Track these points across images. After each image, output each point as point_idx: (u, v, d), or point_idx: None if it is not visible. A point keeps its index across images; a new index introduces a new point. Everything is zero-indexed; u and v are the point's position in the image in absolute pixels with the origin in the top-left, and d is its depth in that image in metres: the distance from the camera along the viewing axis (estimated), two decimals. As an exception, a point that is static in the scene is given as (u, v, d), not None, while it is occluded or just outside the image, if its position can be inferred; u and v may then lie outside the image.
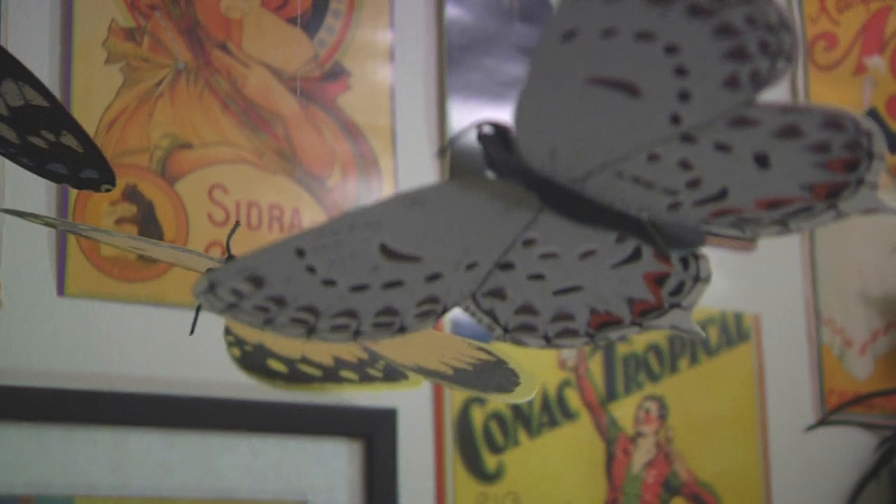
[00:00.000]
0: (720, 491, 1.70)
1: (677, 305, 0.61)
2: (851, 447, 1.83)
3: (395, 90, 1.57)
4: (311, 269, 0.58)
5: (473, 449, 1.54)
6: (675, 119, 0.55)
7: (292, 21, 1.51)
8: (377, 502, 1.44)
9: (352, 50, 1.55)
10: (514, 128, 0.56)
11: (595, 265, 0.62)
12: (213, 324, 1.41)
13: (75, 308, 1.33)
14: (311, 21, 1.53)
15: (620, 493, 1.63)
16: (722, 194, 0.58)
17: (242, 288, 0.56)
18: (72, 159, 0.82)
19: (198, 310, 0.65)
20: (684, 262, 0.61)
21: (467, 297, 0.62)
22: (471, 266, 0.61)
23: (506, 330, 0.63)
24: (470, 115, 1.62)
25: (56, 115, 0.80)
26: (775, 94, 0.60)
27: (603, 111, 0.55)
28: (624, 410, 1.65)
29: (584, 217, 0.60)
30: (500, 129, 0.56)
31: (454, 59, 1.62)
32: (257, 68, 1.48)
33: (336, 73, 1.53)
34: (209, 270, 0.56)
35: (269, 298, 0.57)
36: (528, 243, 0.61)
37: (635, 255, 0.62)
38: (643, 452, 1.66)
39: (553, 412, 1.60)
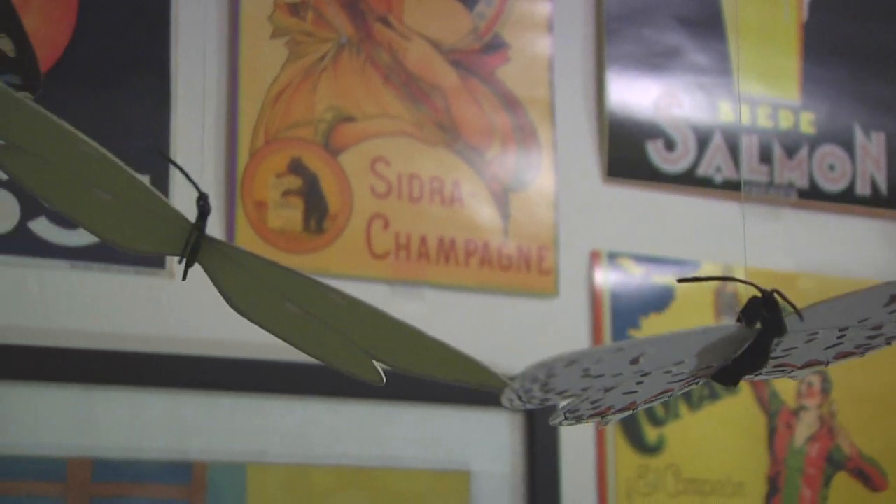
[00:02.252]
0: (886, 466, 1.67)
1: None
2: None
3: (553, 62, 1.57)
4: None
5: (634, 421, 1.53)
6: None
7: (452, -6, 1.52)
8: (539, 472, 1.45)
9: (510, 22, 1.55)
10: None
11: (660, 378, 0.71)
12: (383, 300, 1.43)
13: (243, 279, 1.35)
14: (470, -7, 1.53)
15: (783, 467, 1.61)
16: None
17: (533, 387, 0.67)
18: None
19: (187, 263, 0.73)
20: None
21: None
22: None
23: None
24: (628, 86, 1.60)
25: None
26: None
27: None
28: (785, 384, 1.63)
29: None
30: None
31: (612, 30, 1.61)
32: (417, 41, 1.49)
33: (495, 46, 1.53)
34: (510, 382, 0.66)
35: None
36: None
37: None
38: (806, 426, 1.64)
39: (713, 385, 1.59)
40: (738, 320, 0.66)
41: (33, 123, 0.68)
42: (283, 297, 0.73)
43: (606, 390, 0.69)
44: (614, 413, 0.72)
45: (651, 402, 0.72)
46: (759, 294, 0.66)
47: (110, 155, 0.69)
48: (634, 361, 0.66)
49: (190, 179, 0.72)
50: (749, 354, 0.68)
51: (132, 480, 1.27)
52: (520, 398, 0.67)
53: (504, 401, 0.67)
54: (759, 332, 0.66)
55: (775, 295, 0.66)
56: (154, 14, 1.35)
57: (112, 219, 0.73)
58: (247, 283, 0.74)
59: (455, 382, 0.73)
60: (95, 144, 0.69)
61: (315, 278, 0.71)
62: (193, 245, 0.72)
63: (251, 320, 0.75)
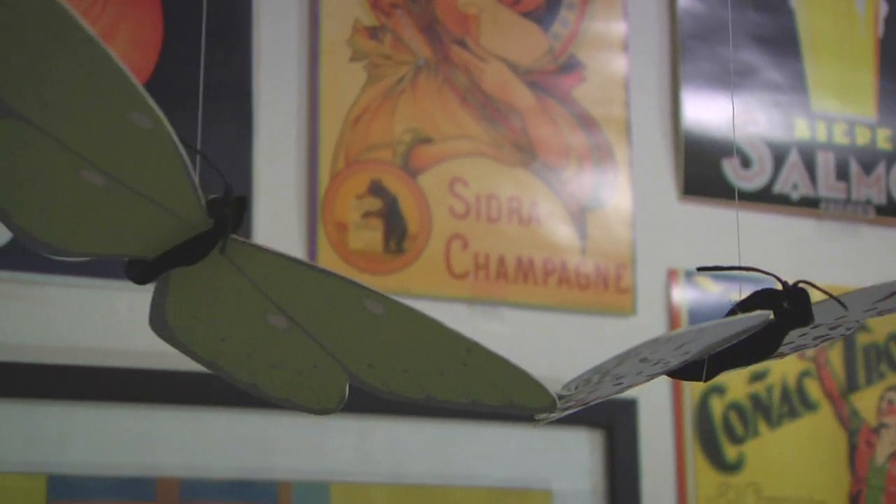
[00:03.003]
0: (968, 484, 1.66)
1: None
2: None
3: (629, 81, 1.58)
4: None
5: (713, 439, 1.53)
6: None
7: (527, 15, 1.53)
8: (619, 491, 1.45)
9: (586, 42, 1.56)
10: None
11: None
12: (462, 320, 1.43)
13: (325, 300, 1.37)
14: (546, 14, 1.54)
15: (864, 485, 1.60)
16: None
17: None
18: None
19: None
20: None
21: None
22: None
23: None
24: (704, 104, 1.61)
25: None
26: None
27: None
28: (866, 401, 1.62)
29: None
30: None
31: (687, 49, 1.61)
32: (494, 62, 1.50)
33: (571, 66, 1.54)
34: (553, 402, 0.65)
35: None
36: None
37: None
38: (887, 444, 1.63)
39: (793, 402, 1.58)
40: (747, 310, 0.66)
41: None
42: (276, 307, 0.68)
43: (615, 380, 0.68)
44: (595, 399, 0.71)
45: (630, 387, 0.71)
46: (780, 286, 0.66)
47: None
48: (683, 352, 0.66)
49: (221, 174, 0.63)
50: (754, 343, 0.67)
51: (217, 499, 1.29)
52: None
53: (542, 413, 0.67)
54: (773, 322, 0.66)
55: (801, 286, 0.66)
56: (236, 40, 1.37)
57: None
58: (229, 293, 0.68)
59: (499, 408, 0.69)
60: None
61: (357, 281, 0.66)
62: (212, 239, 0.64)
63: (172, 336, 0.70)
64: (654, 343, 0.64)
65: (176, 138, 0.57)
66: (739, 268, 0.70)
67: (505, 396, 0.69)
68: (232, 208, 0.62)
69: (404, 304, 0.66)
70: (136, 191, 0.61)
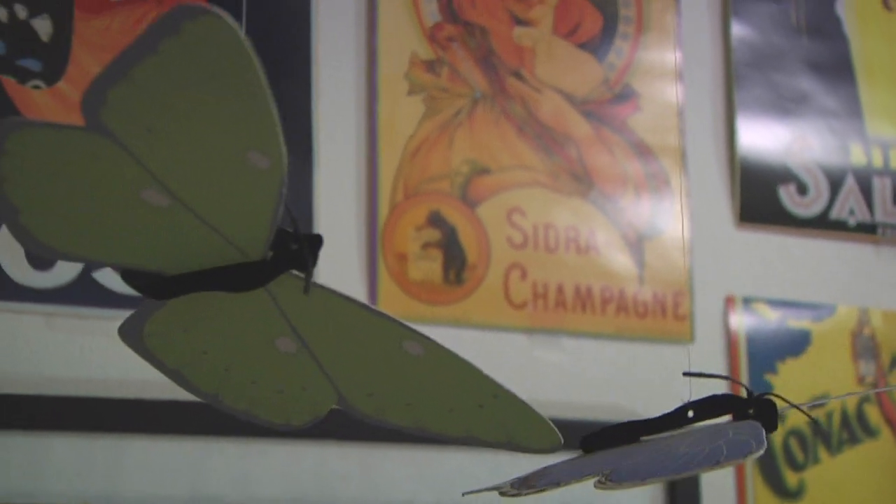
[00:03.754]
0: None
1: None
2: None
3: (683, 109, 1.58)
4: None
5: (774, 466, 1.53)
6: None
7: (582, 46, 1.54)
8: (681, 519, 1.45)
9: (640, 71, 1.57)
10: None
11: None
12: (521, 350, 1.44)
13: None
14: (600, 45, 1.55)
15: (927, 511, 1.59)
16: None
17: None
18: (26, 44, 0.69)
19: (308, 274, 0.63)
20: None
21: None
22: None
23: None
24: (758, 131, 1.61)
25: None
26: None
27: None
28: (926, 427, 1.61)
29: None
30: None
31: (741, 76, 1.62)
32: (550, 93, 1.51)
33: (626, 95, 1.55)
34: None
35: None
36: None
37: None
38: (949, 469, 1.62)
39: (853, 429, 1.58)
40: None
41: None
42: (294, 332, 0.68)
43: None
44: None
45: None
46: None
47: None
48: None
49: (292, 217, 0.61)
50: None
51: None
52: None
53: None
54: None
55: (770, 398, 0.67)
56: (295, 75, 1.39)
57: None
58: (244, 314, 0.68)
59: (494, 444, 0.72)
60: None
61: (402, 322, 0.66)
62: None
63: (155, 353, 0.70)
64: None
65: (286, 181, 0.58)
66: (726, 378, 0.72)
67: (506, 434, 0.71)
68: (306, 246, 0.62)
69: (445, 349, 0.67)
70: (201, 217, 0.61)
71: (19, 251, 1.20)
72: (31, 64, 0.77)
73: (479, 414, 0.71)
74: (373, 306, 0.69)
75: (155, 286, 0.65)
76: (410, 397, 0.72)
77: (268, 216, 0.60)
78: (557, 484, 0.68)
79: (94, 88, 0.56)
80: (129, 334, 0.70)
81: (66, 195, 0.62)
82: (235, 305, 0.67)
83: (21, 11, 0.73)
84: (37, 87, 0.76)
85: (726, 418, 0.68)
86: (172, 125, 0.57)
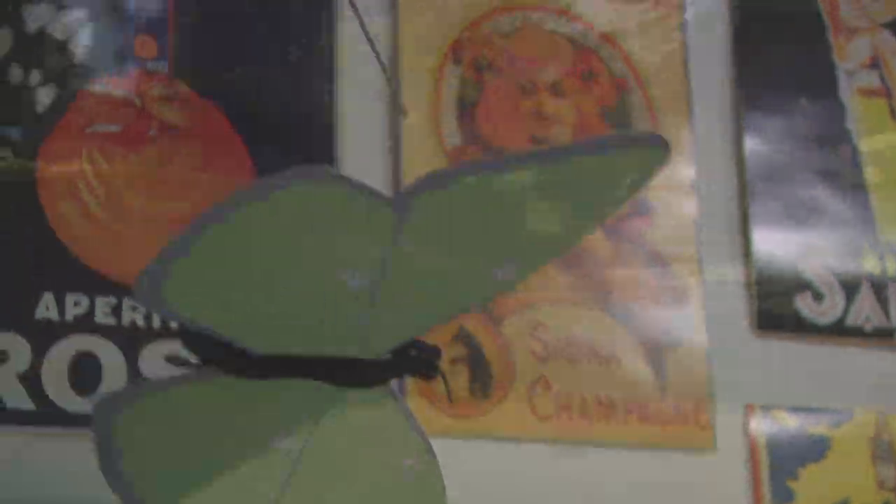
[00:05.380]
0: None
1: None
2: None
3: (698, 221, 1.62)
4: None
5: (798, 572, 1.54)
6: None
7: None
8: None
9: (655, 186, 1.61)
10: None
11: None
12: (545, 461, 1.47)
13: (413, 445, 1.41)
14: (617, 161, 1.59)
15: None
16: None
17: None
18: (15, 111, 0.63)
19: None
20: None
21: None
22: None
23: None
24: (773, 241, 1.65)
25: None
26: None
27: None
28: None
29: None
30: None
31: (755, 188, 1.66)
32: (569, 209, 1.55)
33: (642, 210, 1.59)
34: None
35: None
36: None
37: None
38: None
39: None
40: None
41: None
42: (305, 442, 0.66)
43: None
44: None
45: None
46: None
47: None
48: None
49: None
50: None
51: None
52: None
53: None
54: None
55: None
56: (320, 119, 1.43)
57: None
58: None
59: None
60: None
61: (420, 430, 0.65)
62: None
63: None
64: None
65: None
66: None
67: None
68: (427, 355, 0.60)
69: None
70: None
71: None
72: (12, 132, 0.73)
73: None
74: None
75: (243, 365, 0.61)
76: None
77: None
78: None
79: None
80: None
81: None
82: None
83: (18, 71, 0.68)
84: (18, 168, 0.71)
85: None
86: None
